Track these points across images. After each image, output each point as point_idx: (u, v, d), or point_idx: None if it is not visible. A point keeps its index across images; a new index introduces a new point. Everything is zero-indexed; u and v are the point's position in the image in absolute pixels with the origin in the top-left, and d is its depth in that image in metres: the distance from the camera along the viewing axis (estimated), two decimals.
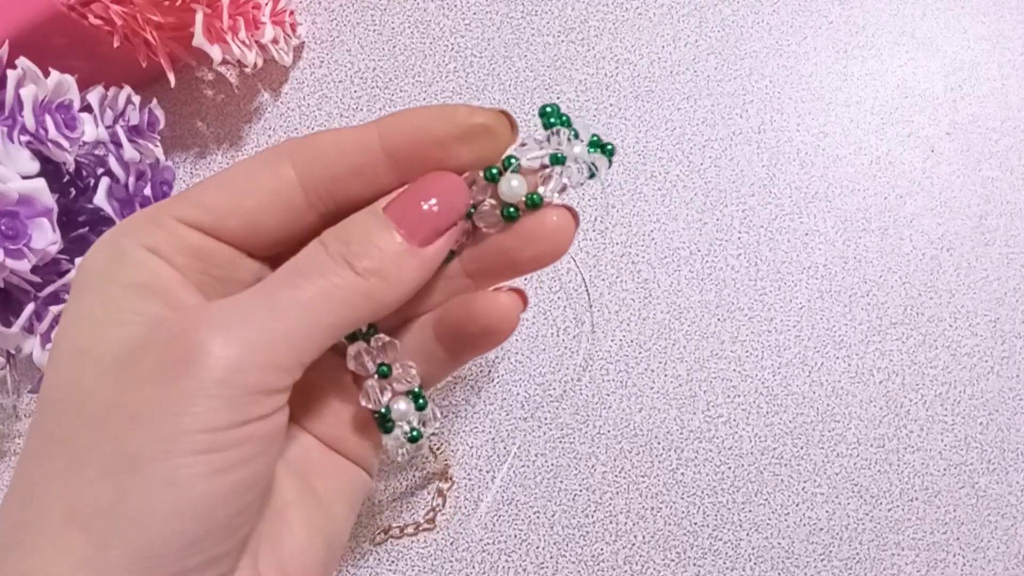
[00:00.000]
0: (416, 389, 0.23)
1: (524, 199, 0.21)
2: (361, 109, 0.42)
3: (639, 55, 0.40)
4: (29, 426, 0.19)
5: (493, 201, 0.21)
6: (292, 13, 0.43)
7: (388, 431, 0.22)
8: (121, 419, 0.17)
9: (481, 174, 0.21)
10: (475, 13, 0.43)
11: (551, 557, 0.36)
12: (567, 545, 0.36)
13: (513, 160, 0.21)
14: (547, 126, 0.21)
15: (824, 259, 0.37)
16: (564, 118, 0.22)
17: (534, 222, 0.21)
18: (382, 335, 0.23)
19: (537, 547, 0.36)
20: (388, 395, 0.22)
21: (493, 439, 0.37)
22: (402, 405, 0.22)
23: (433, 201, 0.20)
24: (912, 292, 0.37)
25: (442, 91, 0.42)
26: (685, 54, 0.40)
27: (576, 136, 0.22)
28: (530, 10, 0.42)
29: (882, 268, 0.37)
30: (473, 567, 0.36)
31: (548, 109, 0.22)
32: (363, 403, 0.22)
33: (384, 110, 0.42)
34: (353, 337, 0.22)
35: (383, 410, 0.22)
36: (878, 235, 0.37)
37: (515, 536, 0.36)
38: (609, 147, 0.22)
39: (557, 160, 0.21)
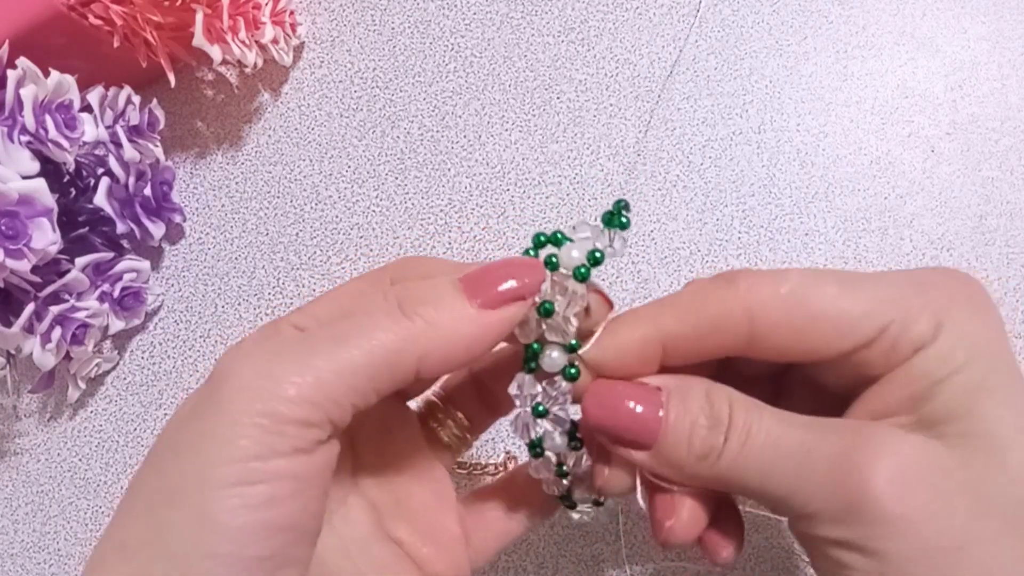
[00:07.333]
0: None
1: (567, 366, 0.22)
2: (361, 109, 0.42)
3: (639, 55, 0.40)
4: None
5: (563, 383, 0.22)
6: (292, 13, 0.43)
7: (572, 507, 0.25)
8: (165, 454, 0.18)
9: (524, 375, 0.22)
10: (475, 13, 0.43)
11: (551, 557, 0.36)
12: (567, 545, 0.36)
13: (532, 366, 0.22)
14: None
15: (824, 259, 0.37)
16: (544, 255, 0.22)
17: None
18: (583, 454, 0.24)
19: (537, 547, 0.36)
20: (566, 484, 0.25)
21: (493, 438, 0.37)
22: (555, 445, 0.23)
23: (509, 284, 0.20)
24: None
25: (442, 91, 0.42)
26: (685, 54, 0.40)
27: (556, 266, 0.21)
28: (530, 10, 0.42)
29: (882, 268, 0.37)
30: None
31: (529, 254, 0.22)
32: (546, 489, 0.25)
33: (384, 110, 0.42)
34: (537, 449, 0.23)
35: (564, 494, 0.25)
36: (878, 235, 0.37)
37: None
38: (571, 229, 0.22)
39: (548, 312, 0.21)
